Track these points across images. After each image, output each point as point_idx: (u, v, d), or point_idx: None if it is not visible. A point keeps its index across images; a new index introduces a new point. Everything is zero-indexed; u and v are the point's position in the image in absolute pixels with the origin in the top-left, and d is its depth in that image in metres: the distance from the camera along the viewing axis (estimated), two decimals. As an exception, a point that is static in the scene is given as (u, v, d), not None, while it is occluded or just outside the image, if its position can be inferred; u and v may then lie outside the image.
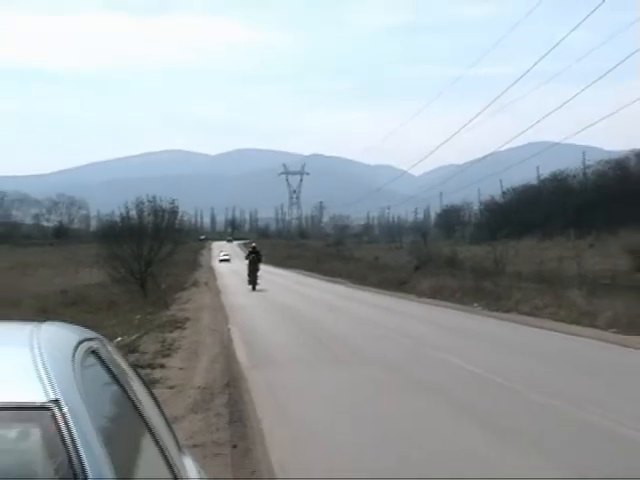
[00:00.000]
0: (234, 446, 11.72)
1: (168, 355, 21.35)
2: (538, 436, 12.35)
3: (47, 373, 2.29)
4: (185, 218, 76.65)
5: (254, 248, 52.53)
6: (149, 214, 49.48)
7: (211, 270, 78.16)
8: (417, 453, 11.36)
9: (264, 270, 51.20)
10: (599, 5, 51.87)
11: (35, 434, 2.07)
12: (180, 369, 19.13)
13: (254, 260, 50.15)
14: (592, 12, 54.46)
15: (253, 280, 48.56)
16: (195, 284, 56.47)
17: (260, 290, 46.48)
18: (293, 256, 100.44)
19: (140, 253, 42.01)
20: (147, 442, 2.95)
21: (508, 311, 33.15)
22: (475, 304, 36.78)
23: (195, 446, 10.32)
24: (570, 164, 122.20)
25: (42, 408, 2.11)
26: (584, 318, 28.18)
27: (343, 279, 60.79)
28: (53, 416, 2.09)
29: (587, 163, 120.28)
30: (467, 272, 52.80)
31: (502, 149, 71.40)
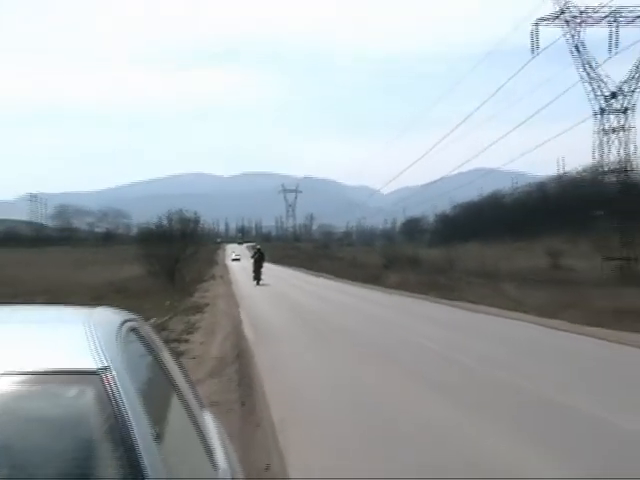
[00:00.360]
0: (243, 403, 11.75)
1: (191, 332, 21.36)
2: (461, 387, 13.24)
3: (99, 346, 2.30)
4: (205, 226, 77.02)
5: (259, 249, 52.07)
6: (177, 223, 49.89)
7: (225, 267, 78.04)
8: (375, 403, 11.70)
9: (266, 267, 50.99)
10: (529, 60, 52.02)
11: (89, 393, 2.08)
12: (201, 343, 19.14)
13: (258, 259, 49.76)
14: (523, 66, 54.59)
15: (257, 276, 48.14)
16: (212, 277, 56.39)
17: (263, 283, 46.41)
18: (289, 256, 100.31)
19: (170, 253, 41.99)
20: (175, 400, 2.95)
21: (457, 299, 33.15)
22: (431, 294, 36.88)
23: (212, 404, 10.30)
24: (504, 186, 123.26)
25: (95, 373, 2.12)
26: (514, 305, 28.27)
27: (329, 274, 60.75)
28: (103, 379, 2.10)
29: (517, 186, 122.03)
30: (425, 269, 52.84)
31: (453, 173, 71.31)
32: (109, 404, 2.03)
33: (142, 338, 2.95)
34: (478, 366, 15.64)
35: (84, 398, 2.06)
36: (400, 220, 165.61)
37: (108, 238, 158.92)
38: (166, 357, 3.29)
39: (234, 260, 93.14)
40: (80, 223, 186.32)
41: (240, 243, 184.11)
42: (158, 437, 2.17)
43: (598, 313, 23.23)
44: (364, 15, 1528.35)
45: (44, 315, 3.21)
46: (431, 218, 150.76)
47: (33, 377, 2.16)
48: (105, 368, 2.14)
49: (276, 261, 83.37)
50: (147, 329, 3.23)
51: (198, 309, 29.23)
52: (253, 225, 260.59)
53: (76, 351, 2.28)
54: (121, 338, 2.59)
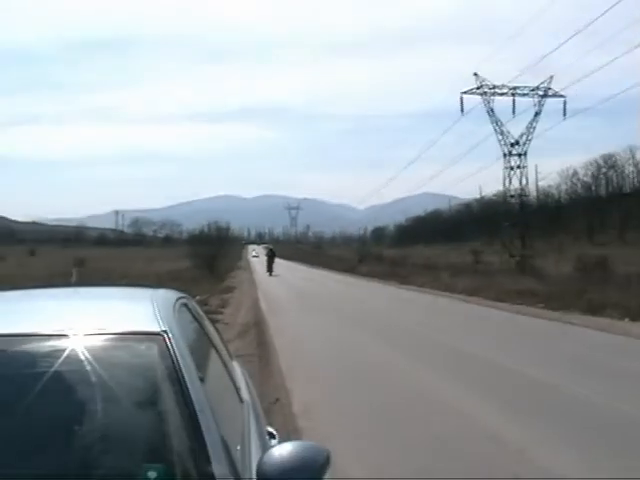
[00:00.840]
0: (260, 357, 11.74)
1: (224, 307, 21.31)
2: (401, 338, 13.60)
3: (160, 315, 2.32)
4: (234, 232, 77.11)
5: (271, 249, 51.92)
6: (215, 230, 50.16)
7: (247, 261, 77.88)
8: (349, 350, 11.60)
9: (277, 262, 50.78)
10: (458, 119, 52.15)
11: (155, 348, 2.09)
12: (231, 314, 19.12)
13: (271, 255, 49.53)
14: (455, 123, 54.73)
15: (270, 268, 47.82)
16: (238, 268, 56.28)
17: (274, 273, 46.30)
18: (293, 253, 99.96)
19: (210, 251, 42.02)
20: (213, 354, 2.96)
21: (408, 284, 33.19)
22: (391, 280, 36.91)
23: (238, 356, 10.30)
24: (443, 205, 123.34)
25: (159, 334, 2.14)
26: (448, 288, 28.30)
27: (320, 266, 60.63)
28: (165, 338, 2.12)
29: (451, 205, 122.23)
30: (387, 263, 52.85)
31: (408, 195, 71.64)
32: (168, 356, 2.04)
33: (190, 310, 2.96)
34: (416, 326, 16.30)
35: (151, 351, 2.08)
36: (370, 228, 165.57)
37: (167, 241, 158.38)
38: (207, 324, 3.31)
39: (254, 257, 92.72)
40: (148, 230, 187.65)
41: (258, 244, 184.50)
42: (202, 379, 2.19)
43: (504, 293, 23.37)
44: (337, 85, 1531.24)
45: (122, 293, 3.24)
46: (392, 227, 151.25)
47: (116, 336, 2.19)
48: (165, 331, 2.15)
49: (284, 257, 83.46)
50: (193, 304, 3.24)
51: (229, 290, 29.19)
52: (267, 231, 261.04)
53: (145, 318, 2.29)
54: (176, 310, 2.61)
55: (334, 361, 11.39)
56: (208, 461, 1.78)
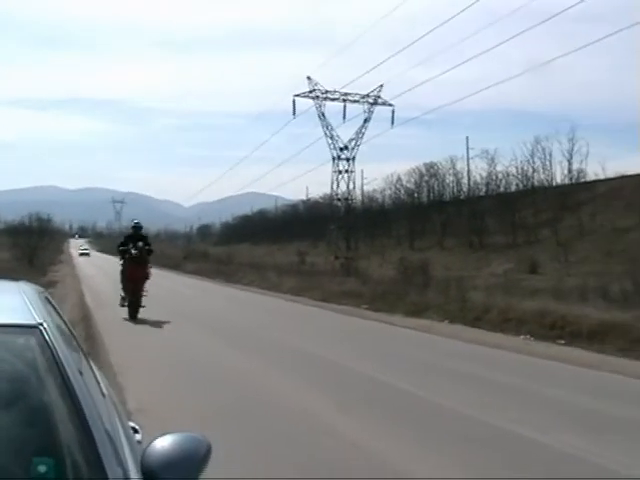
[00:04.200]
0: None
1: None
2: (225, 330, 13.19)
3: (35, 308, 2.27)
4: (55, 225, 74.01)
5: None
6: (35, 222, 48.39)
7: (69, 255, 74.87)
8: (171, 339, 11.51)
9: (99, 256, 49.11)
10: (289, 120, 52.93)
11: (33, 340, 2.04)
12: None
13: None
14: (287, 123, 55.50)
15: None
16: (61, 262, 53.86)
17: (97, 264, 44.75)
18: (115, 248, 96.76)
19: (30, 243, 40.31)
20: (77, 347, 2.90)
21: (235, 282, 33.33)
22: (217, 278, 36.85)
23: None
24: (269, 205, 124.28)
25: (35, 327, 2.08)
26: (274, 287, 28.69)
27: (145, 262, 59.21)
28: (42, 330, 2.07)
29: (277, 205, 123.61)
30: (213, 261, 52.65)
31: (234, 194, 71.64)
32: (48, 348, 2.00)
33: (51, 303, 2.89)
34: (241, 320, 17.08)
35: (30, 344, 2.03)
36: (196, 226, 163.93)
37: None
38: (65, 318, 3.23)
39: (82, 254, 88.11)
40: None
41: (78, 237, 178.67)
42: (80, 372, 2.17)
43: (329, 293, 24.01)
44: (177, 81, 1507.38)
45: None
46: (218, 225, 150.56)
47: None
48: (41, 323, 2.10)
49: (106, 252, 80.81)
50: (50, 297, 3.15)
51: (51, 284, 27.89)
52: (90, 226, 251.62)
53: (20, 311, 2.23)
54: (43, 303, 2.56)
55: (151, 347, 11.44)
56: (97, 453, 1.77)
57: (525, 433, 6.63)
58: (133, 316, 16.41)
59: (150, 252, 17.51)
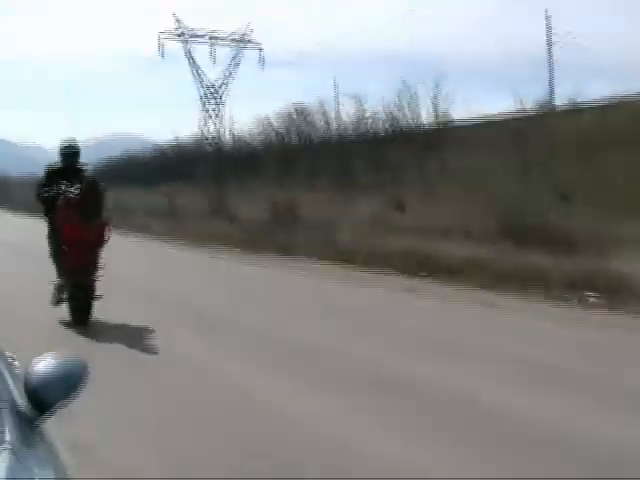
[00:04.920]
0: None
1: None
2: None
3: None
4: None
5: None
6: None
7: None
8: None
9: None
10: (159, 62, 51.19)
11: None
12: None
13: None
14: (150, 68, 53.82)
15: None
16: None
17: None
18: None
19: None
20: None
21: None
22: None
23: None
24: (135, 147, 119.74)
25: None
26: (143, 229, 27.93)
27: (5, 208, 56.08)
28: None
29: (145, 147, 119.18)
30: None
31: (101, 137, 69.40)
32: None
33: None
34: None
35: None
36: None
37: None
38: None
39: None
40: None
41: None
42: None
43: (200, 235, 23.73)
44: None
45: None
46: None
47: None
48: None
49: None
50: None
51: None
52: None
53: None
54: None
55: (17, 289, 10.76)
56: None
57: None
58: (81, 319, 8.67)
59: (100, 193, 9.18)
